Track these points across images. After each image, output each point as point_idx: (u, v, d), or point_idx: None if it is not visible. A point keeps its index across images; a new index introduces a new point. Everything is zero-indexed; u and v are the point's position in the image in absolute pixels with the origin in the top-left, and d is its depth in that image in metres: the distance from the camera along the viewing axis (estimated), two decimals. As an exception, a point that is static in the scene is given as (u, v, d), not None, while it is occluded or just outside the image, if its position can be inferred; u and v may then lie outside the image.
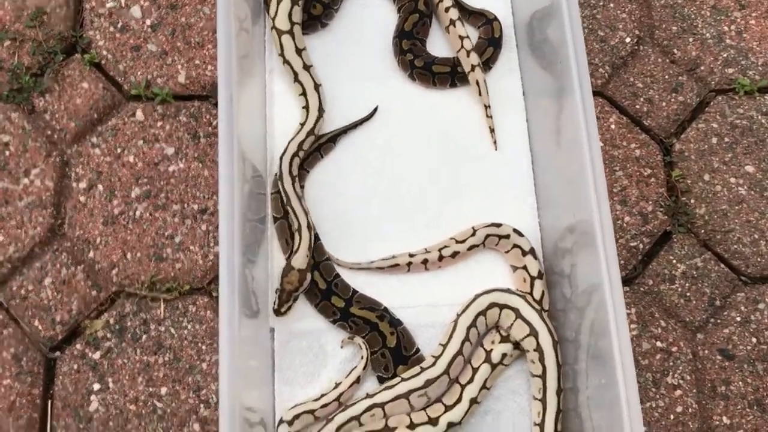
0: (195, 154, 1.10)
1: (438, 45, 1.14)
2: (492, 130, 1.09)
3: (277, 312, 0.94)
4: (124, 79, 1.14)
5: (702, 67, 1.19)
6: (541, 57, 1.07)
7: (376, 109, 1.09)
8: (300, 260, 0.94)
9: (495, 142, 1.09)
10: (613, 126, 1.14)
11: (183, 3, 1.19)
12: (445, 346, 0.96)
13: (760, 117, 1.16)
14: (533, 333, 0.94)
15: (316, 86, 1.04)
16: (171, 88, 1.14)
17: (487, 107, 1.08)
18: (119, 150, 1.10)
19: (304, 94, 1.04)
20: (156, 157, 1.10)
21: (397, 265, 1.03)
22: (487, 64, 1.12)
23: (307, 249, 0.95)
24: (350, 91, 1.10)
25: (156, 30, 1.17)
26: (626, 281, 1.07)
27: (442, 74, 1.11)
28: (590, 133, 0.93)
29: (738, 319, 1.06)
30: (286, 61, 1.04)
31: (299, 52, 1.04)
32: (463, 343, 0.96)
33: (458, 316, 0.98)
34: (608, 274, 0.88)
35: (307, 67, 1.04)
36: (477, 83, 1.08)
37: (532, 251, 1.02)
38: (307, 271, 0.94)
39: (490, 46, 1.13)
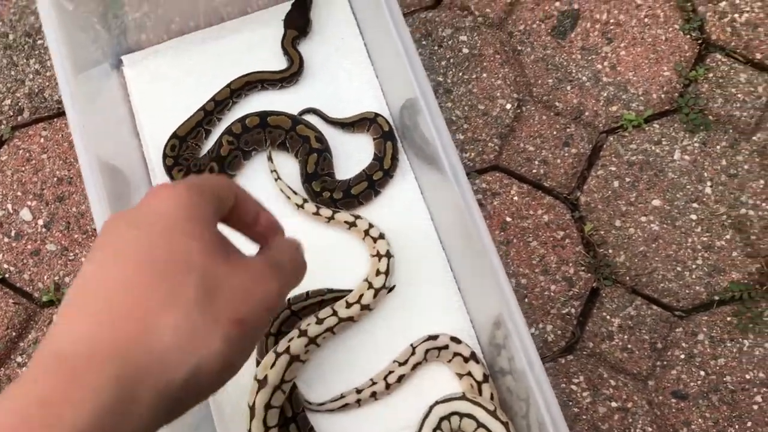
0: (122, 346, 1.10)
1: (344, 167, 1.14)
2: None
3: None
4: (32, 288, 1.14)
5: (586, 113, 1.20)
6: (420, 151, 1.07)
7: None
8: None
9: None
10: (515, 197, 1.15)
11: (69, 192, 1.17)
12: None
13: (653, 147, 1.17)
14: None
15: None
16: (80, 283, 1.13)
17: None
18: (47, 363, 1.09)
19: None
20: (85, 359, 1.10)
21: (347, 404, 1.04)
22: (395, 158, 1.13)
23: None
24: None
25: (50, 228, 1.16)
26: (568, 350, 1.09)
27: (364, 192, 1.11)
28: (478, 224, 0.94)
29: (682, 356, 1.08)
30: None
31: None
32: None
33: (427, 414, 0.99)
34: (528, 364, 0.90)
35: None
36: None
37: (473, 356, 1.04)
38: None
39: (387, 141, 1.13)
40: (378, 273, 1.05)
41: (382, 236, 1.07)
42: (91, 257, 0.45)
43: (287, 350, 1.00)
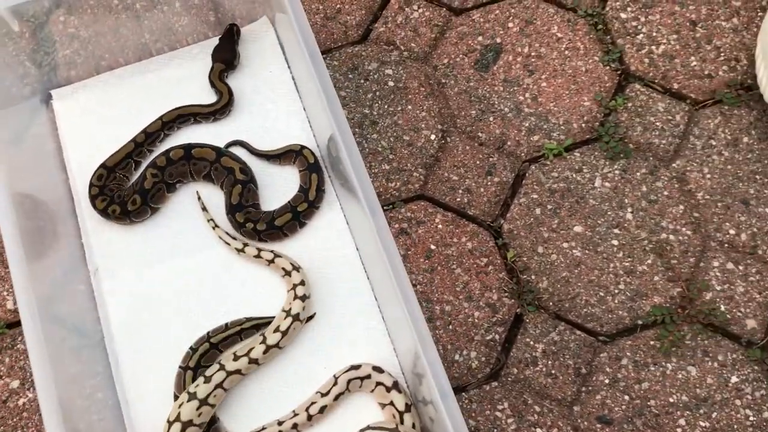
0: (40, 381, 1.07)
1: (271, 199, 1.14)
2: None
3: None
4: (-49, 324, 1.11)
5: (509, 143, 1.21)
6: (346, 183, 1.08)
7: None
8: None
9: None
10: (440, 225, 1.16)
11: (-6, 227, 1.16)
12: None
13: (574, 175, 1.19)
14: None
15: None
16: (1, 317, 1.12)
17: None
18: (-38, 400, 1.07)
19: None
20: (2, 395, 1.07)
21: (268, 436, 1.02)
22: (320, 189, 1.13)
23: None
24: (200, 272, 1.12)
25: (-27, 263, 1.14)
26: (492, 376, 1.08)
27: (288, 223, 1.11)
28: (393, 261, 0.95)
29: (606, 381, 1.07)
30: None
31: None
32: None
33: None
34: (440, 397, 0.90)
35: None
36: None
37: (395, 385, 1.03)
38: None
39: (313, 173, 1.14)
40: (276, 330, 1.04)
41: (303, 298, 1.06)
42: None
43: (178, 417, 0.98)
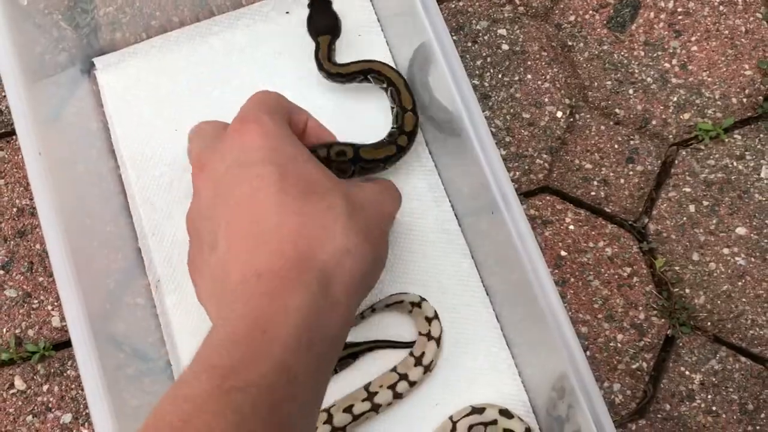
0: (97, 414, 0.89)
1: None
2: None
3: None
4: (-12, 343, 0.93)
5: (654, 121, 0.99)
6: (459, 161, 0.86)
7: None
8: None
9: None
10: (571, 226, 0.94)
11: (33, 226, 0.96)
12: None
13: (735, 163, 0.96)
14: None
15: None
16: (47, 336, 0.93)
17: None
18: (7, 436, 0.89)
19: None
20: (53, 431, 0.89)
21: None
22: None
23: None
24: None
25: (9, 269, 0.95)
26: (639, 412, 0.89)
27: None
28: (535, 260, 0.73)
29: (779, 420, 0.87)
30: None
31: None
32: None
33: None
34: None
35: None
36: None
37: (529, 432, 0.83)
38: None
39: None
40: (389, 388, 0.83)
41: (439, 341, 0.85)
42: (227, 204, 0.52)
43: None
